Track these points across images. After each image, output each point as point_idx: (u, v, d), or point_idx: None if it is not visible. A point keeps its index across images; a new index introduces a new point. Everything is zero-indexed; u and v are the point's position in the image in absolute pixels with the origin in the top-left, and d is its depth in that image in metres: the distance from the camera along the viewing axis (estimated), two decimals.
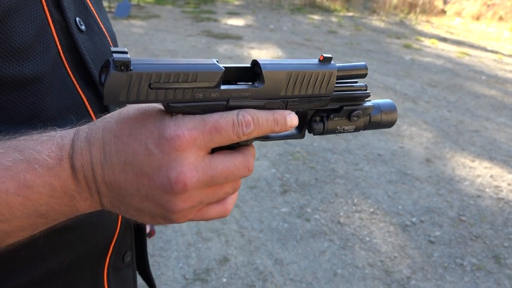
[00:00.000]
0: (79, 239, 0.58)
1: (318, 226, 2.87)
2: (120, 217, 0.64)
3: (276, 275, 2.43)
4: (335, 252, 2.64)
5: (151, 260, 2.46)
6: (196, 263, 2.48)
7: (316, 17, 11.34)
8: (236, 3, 12.92)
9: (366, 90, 0.55)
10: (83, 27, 0.60)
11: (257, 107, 0.46)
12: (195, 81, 0.42)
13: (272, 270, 2.47)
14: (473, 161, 3.91)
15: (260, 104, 0.46)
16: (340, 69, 0.50)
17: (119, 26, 8.33)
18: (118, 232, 0.64)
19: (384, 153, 3.96)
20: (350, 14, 12.24)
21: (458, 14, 12.58)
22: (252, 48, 7.46)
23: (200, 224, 2.79)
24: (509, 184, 3.54)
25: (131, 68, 0.39)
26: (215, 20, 9.83)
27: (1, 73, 0.47)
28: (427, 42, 9.19)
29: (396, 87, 5.90)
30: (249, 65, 0.47)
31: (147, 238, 0.85)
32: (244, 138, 0.43)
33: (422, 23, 11.58)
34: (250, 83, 0.47)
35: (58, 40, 0.54)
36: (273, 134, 0.51)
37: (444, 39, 9.59)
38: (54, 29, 0.54)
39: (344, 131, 0.55)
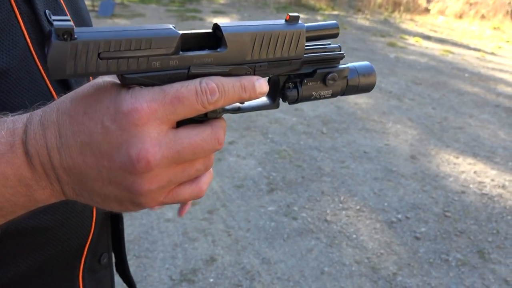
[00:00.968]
0: (50, 241, 0.56)
1: (305, 224, 2.87)
2: (94, 217, 0.61)
3: (263, 274, 2.42)
4: (322, 250, 2.65)
5: (136, 262, 2.43)
6: (183, 263, 2.45)
7: (301, 15, 11.26)
8: (221, 1, 12.87)
9: (340, 51, 0.52)
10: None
11: (222, 74, 0.43)
12: (150, 48, 0.38)
13: (259, 269, 2.47)
14: (457, 157, 3.95)
15: (225, 70, 0.43)
16: (309, 28, 0.47)
17: (102, 25, 8.23)
18: (93, 233, 0.62)
19: (369, 151, 3.98)
20: (335, 12, 12.30)
21: (442, 12, 12.73)
22: None
23: (186, 224, 2.77)
24: (492, 180, 3.58)
25: (76, 36, 0.35)
26: (201, 19, 9.78)
27: None
28: (411, 40, 9.28)
29: (381, 85, 5.94)
30: (210, 30, 0.44)
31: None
32: (210, 107, 0.40)
33: (406, 22, 11.69)
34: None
35: (27, 33, 0.52)
36: (245, 105, 0.48)
37: (428, 37, 9.69)
38: (22, 21, 0.51)
39: (320, 97, 0.51)
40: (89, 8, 9.45)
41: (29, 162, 0.39)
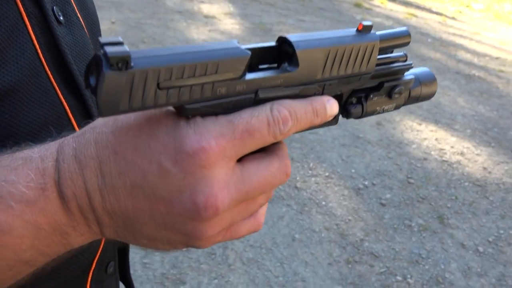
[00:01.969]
0: (61, 266, 0.52)
1: (275, 191, 2.91)
2: None
3: (235, 242, 2.45)
4: (293, 217, 2.71)
5: None
6: None
7: None
8: None
9: (406, 60, 0.47)
10: (61, 18, 0.50)
11: (291, 97, 0.38)
12: (216, 73, 0.33)
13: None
14: (420, 124, 4.08)
15: (295, 92, 0.38)
16: (382, 39, 0.42)
17: None
18: (102, 247, 0.59)
19: None
20: None
21: None
22: (202, 2, 7.14)
23: None
24: (452, 147, 3.75)
25: (132, 64, 0.30)
26: None
27: None
28: (376, 1, 9.25)
29: None
30: (273, 43, 0.39)
31: None
32: (280, 138, 0.36)
33: None
34: (275, 64, 0.39)
35: (36, 38, 0.45)
36: None
37: None
38: (30, 24, 0.45)
39: (383, 111, 0.48)
40: None
41: (64, 206, 0.34)
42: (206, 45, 0.33)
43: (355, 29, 0.40)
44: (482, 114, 4.40)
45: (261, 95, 0.36)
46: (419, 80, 0.50)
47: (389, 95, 0.46)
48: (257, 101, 0.36)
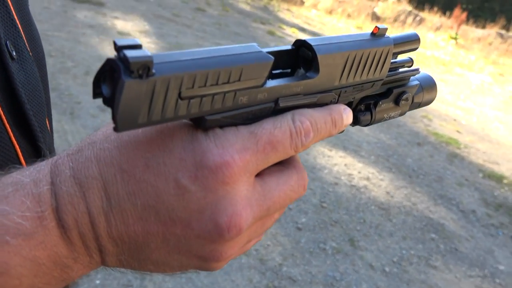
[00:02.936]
0: None
1: None
2: None
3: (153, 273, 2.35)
4: None
5: None
6: None
7: None
8: None
9: (412, 65, 0.46)
10: (14, 54, 0.46)
11: (310, 105, 0.36)
12: (239, 80, 0.30)
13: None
14: (330, 150, 4.33)
15: (313, 100, 0.36)
16: (395, 43, 0.40)
17: None
18: None
19: None
20: None
21: (315, 6, 13.60)
22: (116, 18, 6.92)
23: None
24: (359, 172, 4.02)
25: (153, 71, 0.26)
26: None
27: None
28: (288, 30, 9.75)
29: None
30: (290, 46, 0.36)
31: None
32: (301, 150, 0.34)
33: (283, 11, 12.21)
34: (288, 70, 0.36)
35: None
36: None
37: (303, 29, 10.29)
38: None
39: (389, 118, 0.46)
40: None
41: (64, 236, 0.29)
42: (227, 48, 0.30)
43: (370, 32, 0.39)
44: (383, 142, 4.80)
45: (282, 104, 0.34)
46: (422, 86, 0.49)
47: (397, 101, 0.45)
48: (276, 111, 0.34)
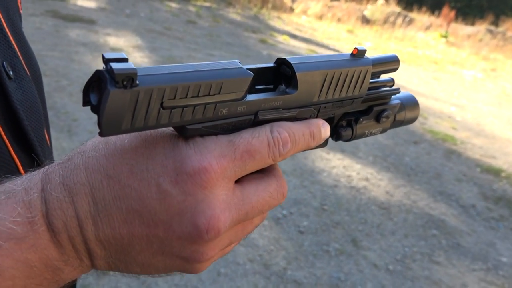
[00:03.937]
0: None
1: None
2: None
3: (159, 282, 2.36)
4: None
5: None
6: None
7: (173, 4, 11.12)
8: None
9: (393, 85, 0.48)
10: (11, 73, 0.48)
11: (289, 119, 0.38)
12: (219, 93, 0.33)
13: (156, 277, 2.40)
14: (328, 153, 4.35)
15: (292, 114, 0.39)
16: (374, 63, 0.43)
17: None
18: None
19: None
20: (208, 4, 12.33)
21: (304, 12, 13.72)
22: (108, 34, 6.97)
23: None
24: (358, 173, 4.04)
25: (137, 82, 0.28)
26: None
27: None
28: (280, 38, 9.82)
29: None
30: (272, 64, 0.39)
31: None
32: (279, 160, 0.36)
33: (274, 19, 12.31)
34: (271, 86, 0.39)
35: None
36: None
37: (294, 36, 10.37)
38: None
39: (371, 135, 0.49)
40: None
41: (54, 240, 0.31)
42: (210, 64, 0.33)
43: (350, 53, 0.42)
44: (380, 142, 4.83)
45: (261, 116, 0.36)
46: (404, 105, 0.51)
47: (377, 119, 0.48)
48: (256, 123, 0.36)
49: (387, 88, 0.48)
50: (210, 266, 2.53)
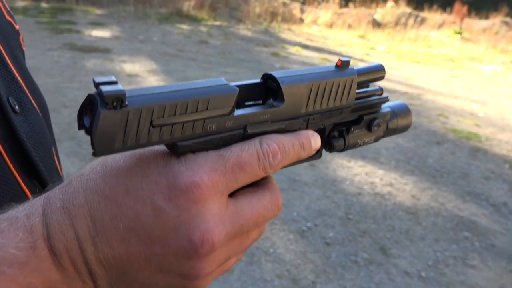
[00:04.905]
0: None
1: None
2: None
3: None
4: (243, 269, 2.66)
5: None
6: None
7: (184, 26, 11.31)
8: (98, 12, 12.19)
9: (382, 93, 0.49)
10: (17, 108, 0.50)
11: (278, 131, 0.39)
12: (207, 110, 0.34)
13: None
14: (349, 161, 4.30)
15: (281, 126, 0.40)
16: (359, 73, 0.44)
17: None
18: None
19: None
20: (218, 23, 12.50)
21: (314, 22, 13.75)
22: (124, 61, 7.12)
23: None
24: (381, 179, 3.98)
25: (126, 103, 0.30)
26: (78, 32, 9.14)
27: None
28: (291, 49, 9.85)
29: None
30: (259, 80, 0.41)
31: None
32: (270, 171, 0.36)
33: (284, 31, 12.37)
34: (260, 101, 0.40)
35: None
36: None
37: (306, 46, 10.38)
38: None
39: (364, 144, 0.49)
40: None
41: (56, 263, 0.32)
42: (196, 82, 0.35)
43: (334, 64, 0.43)
44: (401, 145, 4.75)
45: (250, 130, 0.37)
46: (395, 113, 0.52)
47: (369, 127, 0.48)
48: (245, 137, 0.37)
49: (376, 97, 0.48)
50: (237, 284, 2.51)
